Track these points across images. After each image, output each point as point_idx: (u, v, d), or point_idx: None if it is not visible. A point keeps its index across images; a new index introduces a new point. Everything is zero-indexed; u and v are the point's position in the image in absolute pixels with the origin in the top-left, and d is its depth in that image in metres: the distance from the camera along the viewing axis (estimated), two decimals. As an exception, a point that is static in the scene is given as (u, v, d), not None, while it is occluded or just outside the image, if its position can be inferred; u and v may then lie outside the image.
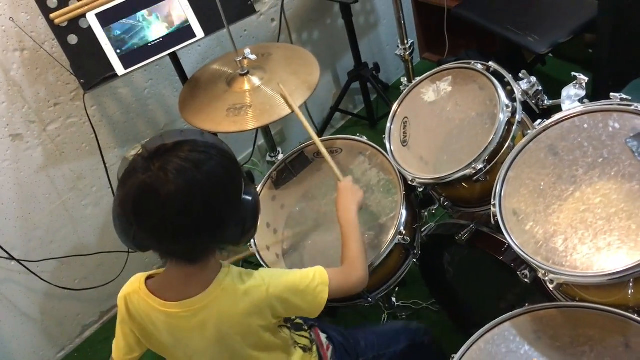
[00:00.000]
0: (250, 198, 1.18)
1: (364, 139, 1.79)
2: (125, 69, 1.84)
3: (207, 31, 1.89)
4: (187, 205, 1.08)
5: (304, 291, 1.29)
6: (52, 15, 1.77)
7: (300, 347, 1.44)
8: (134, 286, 1.27)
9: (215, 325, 1.23)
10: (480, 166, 1.49)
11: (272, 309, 1.26)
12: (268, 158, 2.15)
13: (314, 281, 1.30)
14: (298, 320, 1.48)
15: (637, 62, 2.16)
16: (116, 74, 1.84)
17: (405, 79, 1.92)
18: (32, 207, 2.17)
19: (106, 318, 2.55)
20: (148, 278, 1.27)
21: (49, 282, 2.26)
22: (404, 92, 1.77)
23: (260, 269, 1.31)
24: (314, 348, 1.48)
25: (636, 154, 1.27)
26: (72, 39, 1.80)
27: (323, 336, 1.53)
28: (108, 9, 1.81)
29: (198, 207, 1.09)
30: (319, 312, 1.32)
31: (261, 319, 1.27)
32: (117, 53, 1.82)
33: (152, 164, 1.08)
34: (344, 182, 1.59)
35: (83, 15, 1.80)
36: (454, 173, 1.53)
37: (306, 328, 1.50)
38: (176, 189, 1.06)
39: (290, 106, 1.74)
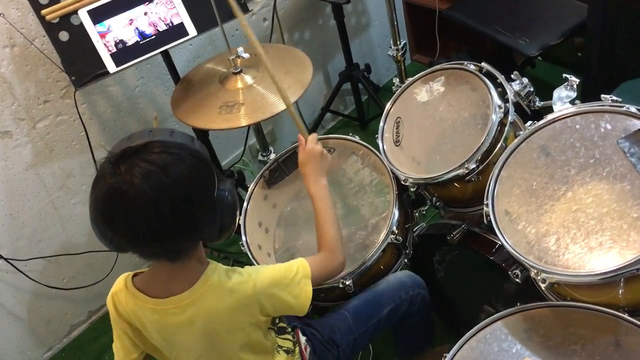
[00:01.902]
0: (225, 194, 1.17)
1: (357, 138, 1.79)
2: (117, 66, 1.83)
3: (200, 29, 1.89)
4: (155, 210, 1.06)
5: (288, 285, 1.30)
6: (43, 12, 1.76)
7: (283, 350, 1.44)
8: (120, 284, 1.27)
9: (203, 321, 1.23)
10: (472, 166, 1.50)
11: (259, 305, 1.27)
12: (260, 157, 2.15)
13: (298, 274, 1.31)
14: (281, 324, 1.48)
15: (625, 65, 2.18)
16: (107, 72, 1.83)
17: (398, 80, 1.93)
18: (21, 205, 2.15)
19: (94, 318, 2.52)
20: (135, 276, 1.27)
21: (37, 281, 2.24)
22: (397, 92, 1.78)
23: (246, 267, 1.30)
24: (297, 349, 1.48)
25: (627, 155, 1.28)
26: (64, 36, 1.79)
27: (303, 338, 1.52)
28: (100, 5, 1.80)
29: (167, 211, 1.07)
30: (306, 307, 1.32)
31: (249, 315, 1.27)
32: (108, 50, 1.81)
33: (118, 167, 1.06)
34: (310, 142, 1.52)
35: (75, 12, 1.78)
36: (446, 173, 1.54)
37: (289, 330, 1.50)
38: (143, 194, 1.04)
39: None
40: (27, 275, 2.20)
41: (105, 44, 1.80)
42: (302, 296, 1.31)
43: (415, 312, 1.63)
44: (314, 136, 1.55)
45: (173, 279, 1.21)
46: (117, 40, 1.81)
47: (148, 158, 1.06)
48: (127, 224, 1.08)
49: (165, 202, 1.07)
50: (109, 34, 1.81)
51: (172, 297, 1.21)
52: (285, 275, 1.30)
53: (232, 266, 1.28)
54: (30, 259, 2.21)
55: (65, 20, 1.78)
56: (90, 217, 1.12)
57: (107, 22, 1.80)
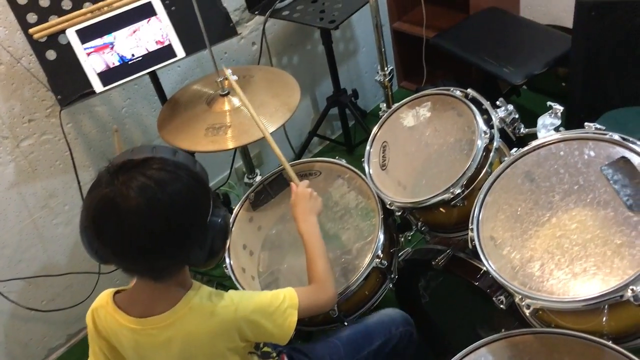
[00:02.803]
0: (218, 220, 1.16)
1: (343, 161, 1.79)
2: (104, 86, 1.83)
3: (188, 51, 1.89)
4: (146, 225, 1.06)
5: (273, 313, 1.28)
6: (31, 30, 1.76)
7: None
8: (102, 300, 1.26)
9: (181, 344, 1.21)
10: (458, 191, 1.51)
11: (239, 331, 1.25)
12: (246, 180, 2.14)
13: (284, 303, 1.29)
14: (266, 348, 1.46)
15: (608, 95, 2.22)
16: (94, 91, 1.82)
17: (385, 105, 1.93)
18: (1, 225, 2.11)
19: (73, 341, 2.47)
20: (117, 292, 1.26)
21: (15, 303, 2.19)
22: (384, 116, 1.78)
23: (231, 291, 1.29)
24: None
25: (611, 182, 1.29)
26: (51, 55, 1.79)
27: None
28: (88, 25, 1.80)
29: (157, 227, 1.07)
30: (288, 336, 1.30)
31: (228, 340, 1.25)
32: (95, 70, 1.81)
33: (116, 178, 1.06)
34: (300, 186, 1.57)
35: (62, 32, 1.79)
36: (432, 197, 1.54)
37: (274, 355, 1.48)
38: (136, 207, 1.05)
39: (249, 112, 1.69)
40: (5, 297, 2.16)
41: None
42: (285, 325, 1.29)
43: (403, 349, 1.61)
44: (304, 182, 1.60)
45: (155, 298, 1.20)
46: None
47: (146, 173, 1.07)
48: (116, 236, 1.07)
49: (158, 218, 1.07)
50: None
51: (152, 317, 1.19)
52: (270, 303, 1.29)
53: (215, 289, 1.27)
54: (9, 279, 2.17)
55: (53, 40, 1.78)
56: (80, 223, 1.12)
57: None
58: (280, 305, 1.29)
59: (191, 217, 1.12)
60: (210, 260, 1.19)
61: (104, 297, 1.26)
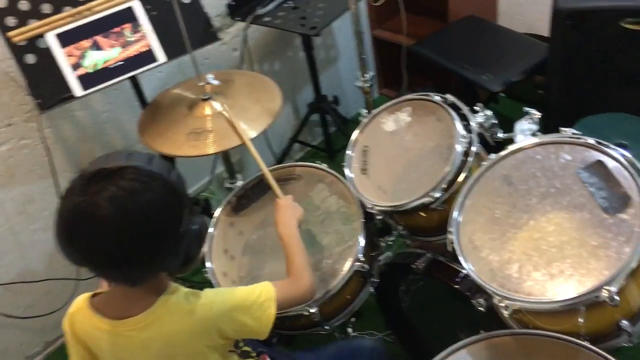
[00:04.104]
0: (193, 229, 1.16)
1: (324, 166, 1.80)
2: (84, 90, 1.81)
3: (170, 56, 1.89)
4: (116, 235, 1.06)
5: (250, 307, 1.28)
6: (10, 34, 1.74)
7: None
8: (78, 305, 1.25)
9: (160, 345, 1.21)
10: (437, 195, 1.52)
11: (218, 328, 1.25)
12: (227, 184, 2.14)
13: (260, 297, 1.29)
14: (245, 347, 1.46)
15: (585, 102, 2.26)
16: (74, 95, 1.81)
17: (365, 111, 1.95)
18: (-22, 230, 2.09)
19: (51, 349, 2.44)
20: (94, 296, 1.25)
21: (-9, 310, 2.17)
22: (364, 120, 1.80)
23: (207, 289, 1.29)
24: None
25: (587, 185, 1.32)
26: (30, 59, 1.77)
27: None
28: (68, 30, 1.79)
29: (129, 237, 1.07)
30: (267, 329, 1.30)
31: (207, 339, 1.24)
32: (75, 74, 1.80)
33: (88, 187, 1.06)
34: (282, 199, 1.60)
35: (42, 35, 1.77)
36: (412, 201, 1.56)
37: (254, 355, 1.47)
38: (107, 217, 1.04)
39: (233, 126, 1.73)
40: (-19, 304, 2.13)
41: (72, 68, 1.79)
42: (263, 319, 1.29)
43: None
44: (288, 196, 1.63)
45: (130, 300, 1.20)
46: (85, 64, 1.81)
47: (118, 183, 1.06)
48: (88, 244, 1.07)
49: (128, 228, 1.06)
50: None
51: (129, 319, 1.19)
52: (246, 297, 1.29)
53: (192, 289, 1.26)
54: (-14, 286, 2.15)
55: (33, 43, 1.77)
56: (54, 228, 1.11)
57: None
58: (256, 299, 1.29)
59: (163, 227, 1.11)
60: (185, 268, 1.20)
61: (80, 301, 1.25)
